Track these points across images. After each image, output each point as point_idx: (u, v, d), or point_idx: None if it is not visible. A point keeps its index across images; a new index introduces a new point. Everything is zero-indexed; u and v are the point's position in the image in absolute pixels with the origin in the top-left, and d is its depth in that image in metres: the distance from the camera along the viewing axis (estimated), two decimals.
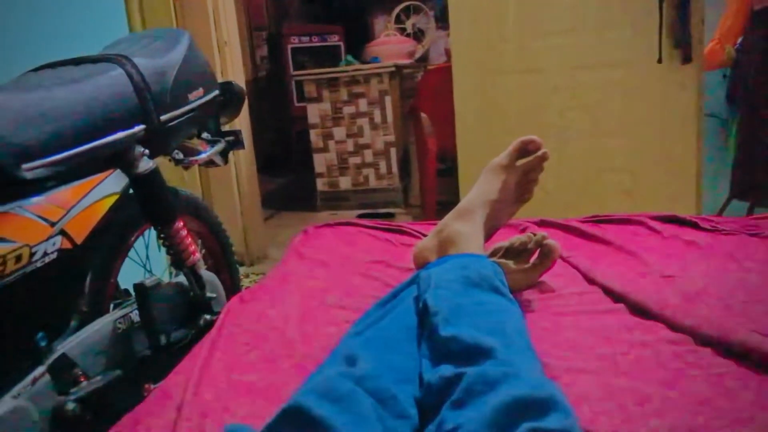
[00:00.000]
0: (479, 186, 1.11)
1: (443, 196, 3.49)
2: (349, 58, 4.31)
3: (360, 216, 3.91)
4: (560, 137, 2.46)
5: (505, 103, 2.57)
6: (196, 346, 0.99)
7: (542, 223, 1.49)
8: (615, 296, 1.04)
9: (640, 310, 0.98)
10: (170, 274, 1.40)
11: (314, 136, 4.10)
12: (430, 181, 3.39)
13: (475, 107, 2.62)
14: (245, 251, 3.09)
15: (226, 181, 2.98)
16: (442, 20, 5.55)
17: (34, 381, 1.00)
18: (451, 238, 1.04)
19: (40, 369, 1.01)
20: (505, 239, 1.16)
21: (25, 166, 0.96)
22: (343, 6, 5.85)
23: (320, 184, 4.15)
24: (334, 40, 5.28)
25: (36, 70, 1.24)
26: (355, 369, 0.68)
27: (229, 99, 1.52)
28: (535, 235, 1.13)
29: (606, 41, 2.35)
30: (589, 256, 1.24)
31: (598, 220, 1.48)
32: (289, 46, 5.28)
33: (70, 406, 1.03)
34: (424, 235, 1.43)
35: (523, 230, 1.43)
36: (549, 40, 2.44)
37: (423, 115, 3.44)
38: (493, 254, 1.12)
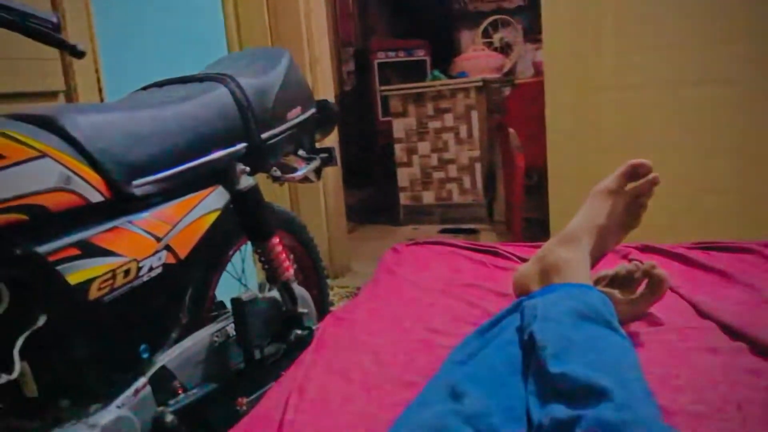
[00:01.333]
0: (585, 211, 1.05)
1: (530, 213, 3.40)
2: (436, 73, 4.29)
3: (442, 231, 3.88)
4: (659, 157, 2.34)
5: (600, 120, 2.47)
6: (293, 367, 0.98)
7: (646, 249, 1.41)
8: (733, 333, 0.96)
9: (764, 351, 0.89)
10: (260, 286, 1.42)
11: (399, 150, 4.10)
12: (517, 197, 3.31)
13: (567, 124, 2.54)
14: (329, 264, 3.11)
15: (313, 194, 3.01)
16: (531, 33, 5.46)
17: (137, 392, 1.02)
18: (556, 266, 0.99)
19: (142, 380, 1.04)
20: (608, 266, 1.09)
21: (135, 182, 0.99)
22: (429, 21, 5.86)
23: (403, 198, 4.15)
24: (420, 54, 5.28)
25: (145, 88, 1.29)
26: (464, 406, 0.65)
27: (324, 117, 1.54)
28: (642, 263, 1.06)
29: (719, 56, 2.22)
30: (699, 287, 1.16)
31: (706, 247, 1.38)
32: (376, 61, 5.33)
33: (169, 417, 1.04)
34: (520, 259, 1.38)
35: (625, 256, 1.36)
36: (650, 55, 2.34)
37: (511, 130, 3.37)
38: (596, 282, 1.06)
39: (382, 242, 3.77)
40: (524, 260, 1.37)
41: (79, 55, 0.78)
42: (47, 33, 0.73)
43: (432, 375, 0.87)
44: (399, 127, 4.07)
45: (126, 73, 1.56)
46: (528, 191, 3.40)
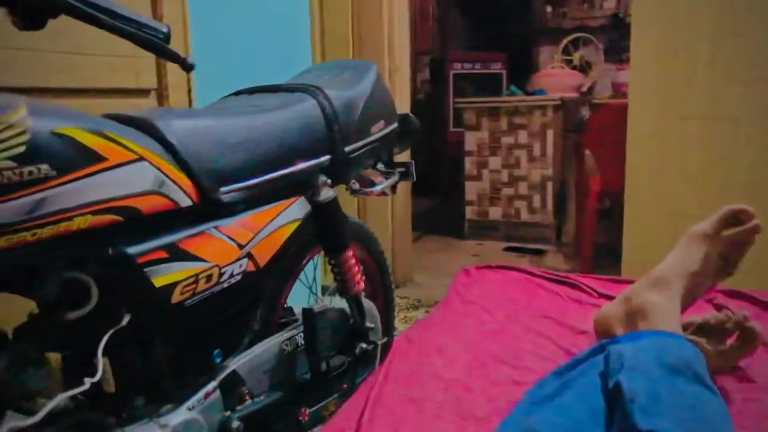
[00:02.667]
0: (678, 254, 1.00)
1: (600, 238, 3.30)
2: (513, 88, 4.23)
3: (507, 249, 3.82)
4: (746, 193, 2.23)
5: (686, 151, 2.37)
6: (362, 388, 0.97)
7: (733, 294, 1.33)
8: None
9: None
10: (322, 289, 1.42)
11: (469, 163, 4.06)
12: (589, 221, 3.22)
13: (650, 151, 2.45)
14: (392, 273, 3.10)
15: (381, 201, 3.01)
16: (612, 53, 5.32)
17: (207, 395, 1.03)
18: (643, 310, 0.94)
19: (213, 384, 1.05)
20: (694, 312, 1.04)
21: (222, 189, 1.00)
22: (508, 34, 5.79)
23: (469, 212, 4.10)
24: (497, 68, 5.23)
25: (236, 94, 1.31)
26: None
27: (405, 131, 1.53)
28: (734, 313, 1.00)
29: None
30: None
31: None
32: (451, 72, 5.30)
33: (235, 423, 1.05)
34: (597, 293, 1.33)
35: (710, 301, 1.29)
36: (744, 87, 2.22)
37: (587, 152, 3.28)
38: (683, 329, 1.01)
39: (445, 255, 3.75)
40: (602, 295, 1.33)
41: (189, 68, 0.79)
42: (159, 43, 0.75)
43: (505, 412, 0.84)
44: (471, 139, 4.03)
45: (214, 76, 1.59)
46: (599, 215, 3.30)
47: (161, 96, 1.60)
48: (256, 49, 1.95)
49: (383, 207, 3.00)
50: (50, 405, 0.79)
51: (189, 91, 1.66)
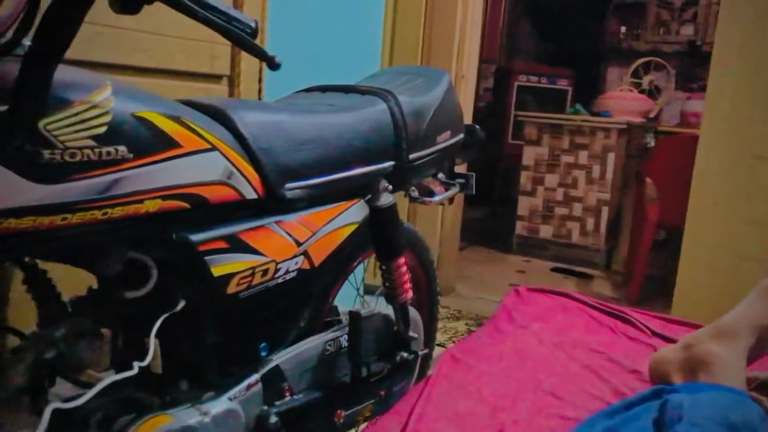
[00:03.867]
0: (749, 306, 0.95)
1: (651, 270, 3.21)
2: (578, 107, 4.15)
3: (554, 270, 3.75)
4: None
5: (754, 191, 2.28)
6: (403, 401, 0.96)
7: None
8: None
9: None
10: (365, 288, 1.41)
11: (524, 177, 4.01)
12: (643, 251, 3.13)
13: (717, 188, 2.36)
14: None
15: (432, 208, 2.99)
16: (683, 81, 5.16)
17: (249, 387, 1.03)
18: (706, 360, 0.90)
19: (255, 376, 1.05)
20: (757, 367, 0.99)
21: (287, 185, 1.01)
22: (577, 51, 5.68)
23: (519, 227, 4.04)
24: (563, 84, 5.13)
25: (308, 90, 1.31)
26: None
27: (469, 143, 1.51)
28: None
29: None
30: None
31: None
32: (516, 83, 5.23)
33: (273, 418, 1.05)
34: (653, 333, 1.29)
35: None
36: None
37: (648, 180, 3.19)
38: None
39: (490, 268, 3.71)
40: (656, 334, 1.28)
41: (275, 67, 0.79)
42: (246, 38, 0.75)
43: None
44: (529, 154, 3.97)
45: (285, 69, 1.59)
46: (654, 246, 3.21)
47: (233, 83, 1.62)
48: (327, 47, 1.96)
49: (433, 213, 2.98)
50: (101, 385, 0.81)
51: (260, 81, 1.68)
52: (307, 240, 1.05)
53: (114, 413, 0.89)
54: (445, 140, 1.36)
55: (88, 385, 0.92)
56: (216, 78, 1.60)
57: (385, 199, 1.21)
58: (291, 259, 1.02)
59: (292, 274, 1.03)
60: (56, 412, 0.80)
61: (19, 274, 0.90)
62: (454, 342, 2.43)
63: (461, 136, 1.44)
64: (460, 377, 1.02)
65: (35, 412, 0.83)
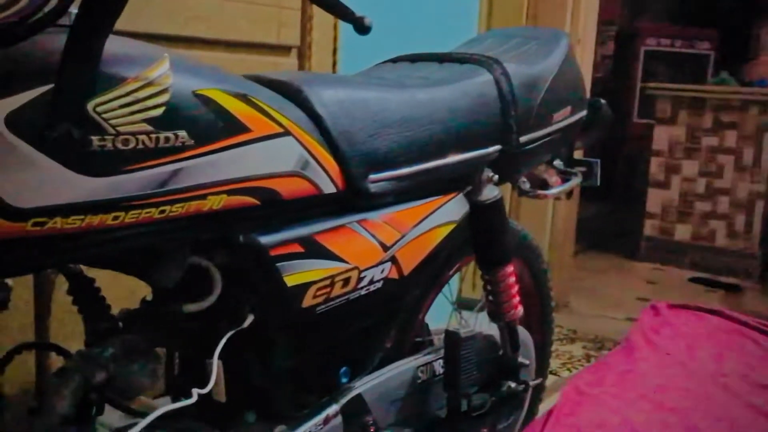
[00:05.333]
0: None
1: None
2: (724, 76, 3.98)
3: (692, 280, 3.62)
4: None
5: None
6: None
7: None
8: None
9: None
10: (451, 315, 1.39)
11: (655, 165, 3.91)
12: None
13: None
14: None
15: (539, 205, 2.92)
16: None
17: (327, 420, 1.03)
18: None
19: (334, 408, 1.05)
20: None
21: (372, 177, 0.99)
22: (721, 7, 5.43)
23: (649, 228, 3.94)
24: (704, 48, 4.93)
25: (393, 61, 1.30)
26: None
27: (593, 122, 1.46)
28: None
29: None
30: None
31: None
32: (642, 48, 5.07)
33: None
34: None
35: None
36: None
37: None
38: None
39: (611, 278, 3.63)
40: None
41: (365, 30, 0.78)
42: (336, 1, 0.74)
43: None
44: (661, 136, 3.86)
45: (364, 37, 1.59)
46: None
47: (303, 56, 1.63)
48: (414, 10, 1.94)
49: (542, 210, 2.92)
50: (154, 415, 0.82)
51: (334, 52, 1.68)
52: (395, 243, 1.04)
53: None
54: (564, 119, 1.33)
55: (141, 414, 0.94)
56: (284, 49, 1.61)
57: (490, 193, 1.19)
58: (376, 266, 1.01)
59: (378, 285, 1.02)
60: None
61: (63, 282, 0.92)
62: (569, 369, 2.36)
63: (583, 113, 1.41)
64: (589, 416, 0.98)
65: None
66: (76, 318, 0.95)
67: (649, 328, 1.29)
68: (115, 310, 0.92)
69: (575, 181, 1.42)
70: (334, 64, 1.69)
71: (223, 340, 0.87)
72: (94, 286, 0.90)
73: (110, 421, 0.94)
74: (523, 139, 1.22)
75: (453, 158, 1.11)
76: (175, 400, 1.01)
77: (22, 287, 1.17)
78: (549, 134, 1.29)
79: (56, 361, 1.13)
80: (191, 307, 0.86)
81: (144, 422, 0.82)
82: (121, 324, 0.90)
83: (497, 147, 1.18)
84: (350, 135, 0.95)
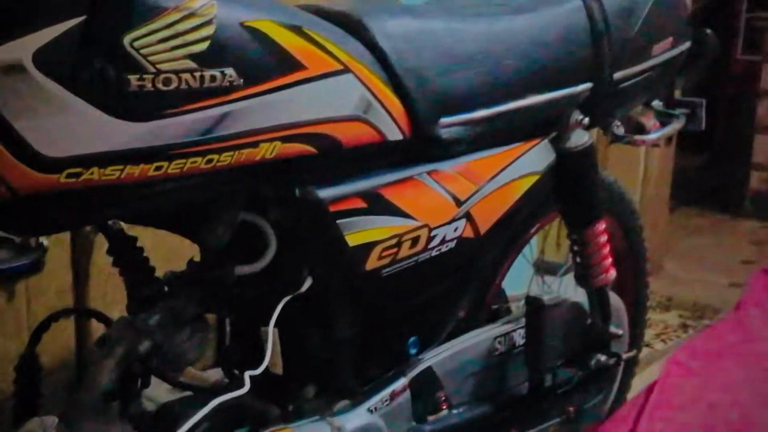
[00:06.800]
0: None
1: None
2: None
3: None
4: None
5: None
6: (614, 424, 0.91)
7: None
8: None
9: None
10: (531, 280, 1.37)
11: (763, 108, 3.83)
12: None
13: None
14: None
15: (629, 153, 2.85)
16: None
17: (393, 396, 1.04)
18: None
19: (402, 382, 1.06)
20: None
21: (443, 120, 0.98)
22: None
23: (755, 180, 3.85)
24: None
25: None
26: None
27: (696, 55, 1.41)
28: None
29: None
30: None
31: None
32: None
33: None
34: None
35: None
36: None
37: None
38: None
39: (711, 238, 3.56)
40: None
41: None
42: None
43: None
44: None
45: None
46: None
47: None
48: None
49: (632, 159, 2.84)
50: (212, 404, 0.82)
51: None
52: (469, 197, 1.02)
53: (223, 426, 0.91)
54: (665, 51, 1.29)
55: (189, 388, 0.96)
56: None
57: (579, 139, 1.17)
58: (449, 223, 1.00)
59: (451, 244, 1.01)
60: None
61: (103, 242, 0.93)
62: (663, 341, 2.33)
63: (687, 45, 1.36)
64: (695, 395, 0.96)
65: (127, 420, 0.87)
66: (118, 282, 0.96)
67: (762, 293, 1.25)
68: (159, 273, 0.92)
69: (677, 125, 1.38)
70: None
71: (279, 307, 0.87)
72: (136, 245, 0.91)
73: (157, 395, 0.96)
74: (617, 75, 1.19)
75: (537, 99, 1.09)
76: (226, 373, 1.03)
77: (58, 248, 1.19)
78: (647, 70, 1.25)
79: (97, 329, 1.15)
80: (243, 270, 0.86)
81: (200, 414, 0.82)
82: (166, 288, 0.91)
83: (588, 85, 1.15)
84: (418, 73, 0.94)
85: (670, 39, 1.30)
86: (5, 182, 0.63)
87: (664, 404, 0.91)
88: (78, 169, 0.65)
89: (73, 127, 0.64)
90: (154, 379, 0.91)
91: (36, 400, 0.93)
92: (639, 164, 2.85)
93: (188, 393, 0.96)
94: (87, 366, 0.85)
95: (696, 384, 0.96)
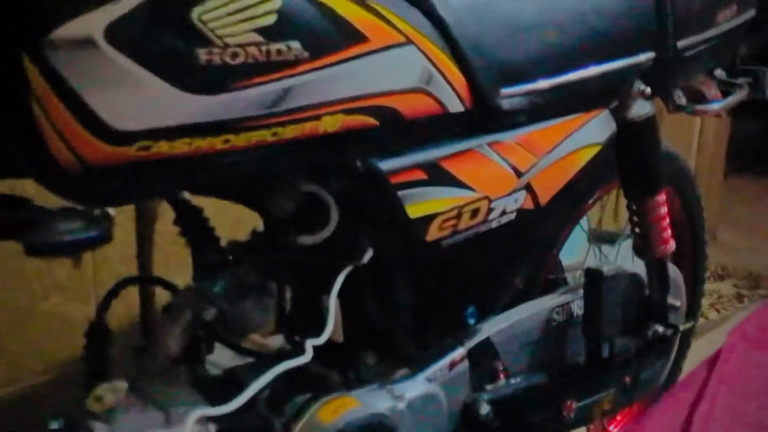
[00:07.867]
0: None
1: None
2: None
3: None
4: None
5: None
6: (678, 397, 0.90)
7: None
8: None
9: None
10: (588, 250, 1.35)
11: None
12: None
13: None
14: None
15: (684, 121, 2.78)
16: None
17: (452, 365, 1.03)
18: None
19: (460, 351, 1.05)
20: None
21: (504, 91, 0.97)
22: None
23: None
24: None
25: None
26: None
27: (760, 23, 1.38)
28: None
29: None
30: None
31: None
32: None
33: (484, 408, 1.05)
34: None
35: None
36: None
37: None
38: None
39: (765, 206, 3.46)
40: None
41: None
42: None
43: None
44: None
45: None
46: None
47: None
48: None
49: (688, 126, 2.78)
50: (273, 372, 0.83)
51: None
52: (530, 169, 1.02)
53: (285, 392, 0.92)
54: (729, 19, 1.26)
55: (252, 354, 0.97)
56: None
57: (641, 109, 1.14)
58: (509, 195, 0.99)
59: (511, 216, 1.01)
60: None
61: (164, 211, 0.94)
62: (717, 311, 2.29)
63: (752, 12, 1.33)
64: (758, 365, 0.94)
65: (192, 384, 0.89)
66: (181, 250, 0.97)
67: None
68: (223, 243, 0.93)
69: (740, 94, 1.35)
70: None
71: (341, 277, 0.88)
72: (202, 215, 0.92)
73: (221, 361, 0.98)
74: (681, 44, 1.16)
75: (598, 68, 1.06)
76: (287, 340, 1.04)
77: (122, 217, 1.21)
78: (711, 38, 1.23)
79: (160, 295, 1.17)
80: (306, 240, 0.87)
81: (264, 380, 0.83)
82: (230, 257, 0.92)
83: (650, 54, 1.13)
84: (479, 43, 0.92)
85: (735, 7, 1.27)
86: (77, 155, 0.63)
87: (728, 377, 0.89)
88: (148, 142, 0.65)
89: (144, 100, 0.64)
90: (218, 345, 0.92)
91: (106, 365, 0.94)
92: (694, 132, 2.79)
93: (251, 359, 0.97)
94: (152, 331, 0.87)
95: (762, 357, 0.94)
